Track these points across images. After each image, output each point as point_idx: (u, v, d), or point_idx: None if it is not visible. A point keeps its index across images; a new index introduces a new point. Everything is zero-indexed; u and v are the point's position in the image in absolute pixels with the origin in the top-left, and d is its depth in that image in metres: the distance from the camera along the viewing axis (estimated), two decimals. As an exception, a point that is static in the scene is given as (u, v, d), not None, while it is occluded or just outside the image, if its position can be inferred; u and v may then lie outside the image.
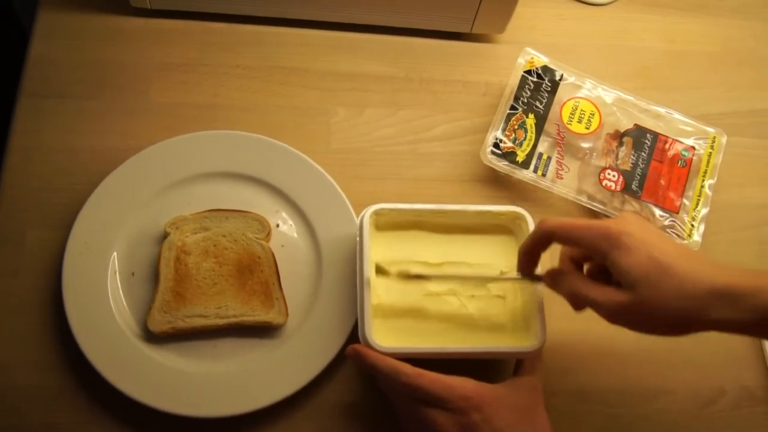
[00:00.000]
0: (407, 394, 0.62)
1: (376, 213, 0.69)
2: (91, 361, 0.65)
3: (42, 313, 0.68)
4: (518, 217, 0.70)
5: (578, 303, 0.60)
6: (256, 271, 0.70)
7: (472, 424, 0.60)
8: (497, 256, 0.70)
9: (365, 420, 0.69)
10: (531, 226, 0.69)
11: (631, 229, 0.56)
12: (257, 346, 0.69)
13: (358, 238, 0.69)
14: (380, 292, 0.68)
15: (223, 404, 0.65)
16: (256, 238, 0.72)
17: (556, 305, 0.68)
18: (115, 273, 0.70)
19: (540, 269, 0.65)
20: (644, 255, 0.55)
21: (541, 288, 0.66)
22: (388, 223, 0.71)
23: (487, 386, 0.62)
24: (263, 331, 0.69)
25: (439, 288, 0.69)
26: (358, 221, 0.70)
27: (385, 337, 0.64)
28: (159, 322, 0.67)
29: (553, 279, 0.62)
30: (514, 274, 0.65)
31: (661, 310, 0.55)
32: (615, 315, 0.58)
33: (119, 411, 0.66)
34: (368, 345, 0.63)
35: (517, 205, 0.70)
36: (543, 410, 0.64)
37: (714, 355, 0.74)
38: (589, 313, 0.73)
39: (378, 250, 0.69)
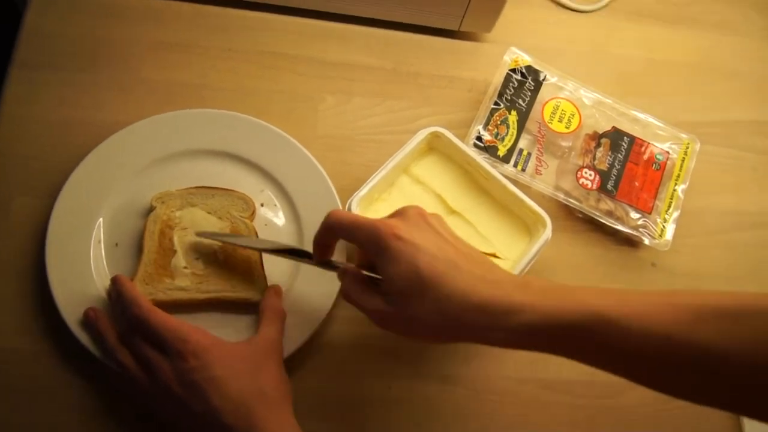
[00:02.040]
0: (135, 328, 0.63)
1: (435, 134, 0.74)
2: (70, 328, 0.66)
3: (24, 278, 0.69)
4: (541, 222, 0.72)
5: (349, 301, 0.60)
6: (238, 248, 0.72)
7: (188, 369, 0.60)
8: (502, 241, 0.73)
9: (340, 399, 0.70)
10: (548, 234, 0.71)
11: (404, 233, 0.55)
12: (236, 322, 0.70)
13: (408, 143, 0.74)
14: (394, 193, 0.74)
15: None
16: (241, 216, 0.73)
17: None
18: (99, 242, 0.71)
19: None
20: (408, 266, 0.54)
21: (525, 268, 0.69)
22: (442, 152, 0.76)
23: (215, 337, 0.63)
24: (243, 307, 0.70)
25: (455, 205, 0.74)
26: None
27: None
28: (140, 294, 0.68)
29: (340, 275, 0.63)
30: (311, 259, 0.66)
31: (418, 322, 0.55)
32: (378, 322, 0.58)
33: (97, 377, 0.67)
34: (349, 209, 0.69)
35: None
36: (275, 365, 0.64)
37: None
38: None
39: (420, 164, 0.76)
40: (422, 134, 0.73)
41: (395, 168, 0.72)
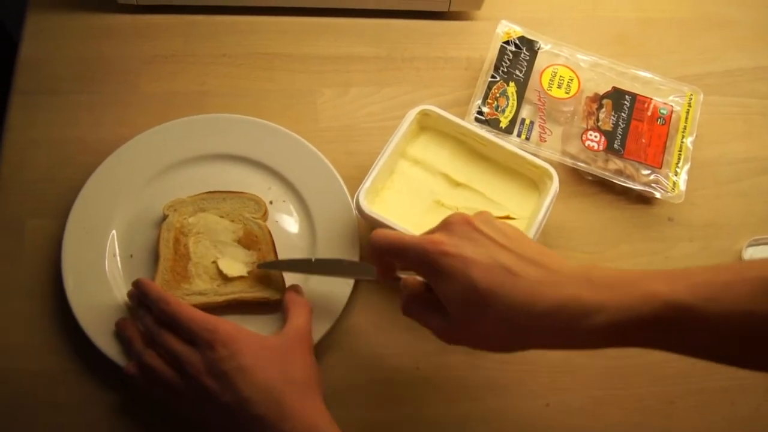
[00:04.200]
0: (165, 324, 0.64)
1: (424, 112, 0.74)
2: (93, 341, 0.66)
3: (44, 297, 0.70)
4: (546, 175, 0.72)
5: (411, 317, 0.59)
6: (253, 248, 0.72)
7: (217, 359, 0.60)
8: (513, 201, 0.73)
9: (361, 389, 0.70)
10: (556, 185, 0.71)
11: (451, 247, 0.53)
12: (256, 321, 0.69)
13: (398, 127, 0.73)
14: (397, 179, 0.74)
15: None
16: (253, 217, 0.73)
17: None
18: (114, 256, 0.71)
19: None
20: (462, 282, 0.51)
21: (532, 233, 0.68)
22: (434, 129, 0.76)
23: (243, 328, 0.63)
24: (262, 307, 0.70)
25: (448, 201, 0.73)
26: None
27: (380, 211, 0.69)
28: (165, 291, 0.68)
29: (402, 289, 0.60)
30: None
31: (487, 337, 0.53)
32: (445, 340, 0.56)
33: (123, 389, 0.67)
34: (358, 205, 0.69)
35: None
36: (304, 353, 0.63)
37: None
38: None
39: (415, 145, 0.76)
40: (411, 115, 0.73)
41: (392, 154, 0.72)
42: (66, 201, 0.72)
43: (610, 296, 0.50)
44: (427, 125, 0.76)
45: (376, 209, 0.70)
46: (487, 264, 0.52)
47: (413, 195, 0.73)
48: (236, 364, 0.60)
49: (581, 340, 0.52)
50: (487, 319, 0.51)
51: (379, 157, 0.71)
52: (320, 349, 0.68)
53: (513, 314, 0.51)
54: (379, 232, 0.58)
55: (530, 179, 0.74)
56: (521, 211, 0.73)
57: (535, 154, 0.77)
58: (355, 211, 0.72)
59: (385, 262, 0.61)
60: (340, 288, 0.70)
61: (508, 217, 0.72)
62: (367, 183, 0.70)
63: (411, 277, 0.60)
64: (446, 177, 0.74)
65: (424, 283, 0.58)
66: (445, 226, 0.55)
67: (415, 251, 0.54)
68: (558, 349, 0.54)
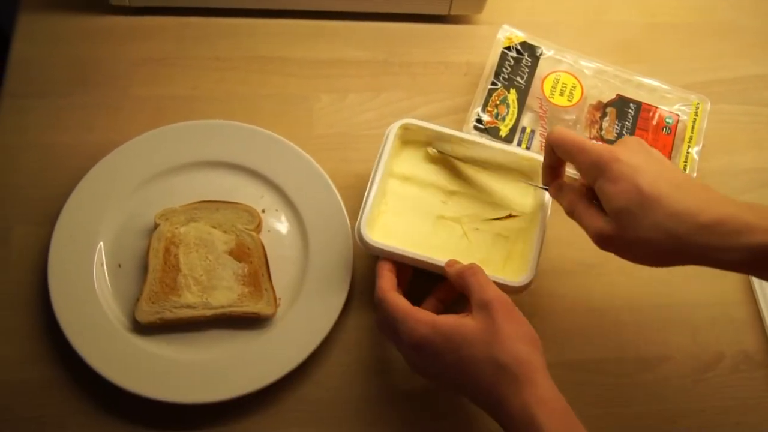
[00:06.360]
0: (377, 307, 0.62)
1: (404, 127, 0.71)
2: (78, 352, 0.64)
3: (29, 307, 0.68)
4: (539, 164, 0.69)
5: (573, 218, 0.60)
6: (245, 261, 0.70)
7: (417, 363, 0.59)
8: (509, 200, 0.72)
9: (353, 402, 0.68)
10: None
11: (625, 156, 0.55)
12: (245, 335, 0.68)
13: (381, 147, 0.71)
14: (391, 200, 0.71)
15: (210, 391, 0.65)
16: (246, 229, 0.71)
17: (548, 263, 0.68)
18: (102, 265, 0.69)
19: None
20: (630, 185, 0.53)
21: (540, 233, 0.67)
22: (416, 141, 0.73)
23: (437, 325, 0.57)
24: (252, 322, 0.68)
25: (449, 213, 0.71)
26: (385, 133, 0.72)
27: (381, 237, 0.66)
28: (146, 313, 0.67)
29: (556, 189, 0.63)
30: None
31: (641, 242, 0.54)
32: (599, 242, 0.57)
33: (108, 401, 0.65)
34: (361, 237, 0.66)
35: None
36: (511, 325, 0.56)
37: (712, 319, 0.73)
38: (580, 282, 0.74)
39: (399, 161, 0.73)
40: (392, 133, 0.71)
41: (383, 177, 0.69)
42: (55, 207, 0.71)
43: None
44: (408, 139, 0.73)
45: (377, 237, 0.66)
46: (656, 174, 0.54)
47: (412, 214, 0.70)
48: (433, 372, 0.59)
49: (733, 258, 0.52)
50: (647, 225, 0.53)
51: (371, 182, 0.68)
52: (309, 364, 0.67)
53: (674, 222, 0.52)
54: (559, 130, 0.60)
55: (524, 174, 0.72)
56: (521, 207, 0.71)
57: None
58: (356, 237, 0.67)
59: (551, 166, 0.63)
60: (331, 303, 0.68)
61: (510, 216, 0.70)
62: (365, 215, 0.66)
63: (572, 182, 0.62)
64: (439, 188, 0.72)
65: (588, 187, 0.59)
66: (622, 143, 0.58)
67: (590, 153, 0.56)
68: (710, 266, 0.54)
